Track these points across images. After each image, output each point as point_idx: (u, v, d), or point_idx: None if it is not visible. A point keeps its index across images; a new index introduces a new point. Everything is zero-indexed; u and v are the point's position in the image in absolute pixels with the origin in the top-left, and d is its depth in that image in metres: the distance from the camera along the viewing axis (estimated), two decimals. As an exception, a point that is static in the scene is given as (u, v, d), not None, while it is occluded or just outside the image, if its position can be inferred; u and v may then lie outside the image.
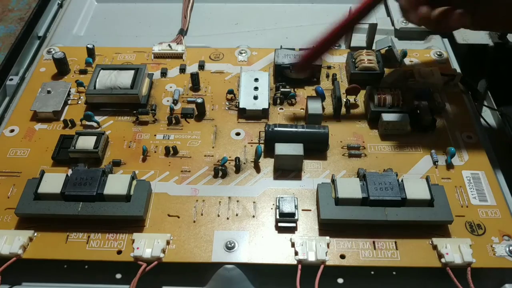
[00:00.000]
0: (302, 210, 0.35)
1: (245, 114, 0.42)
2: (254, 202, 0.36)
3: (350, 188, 0.34)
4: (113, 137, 0.40)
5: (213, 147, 0.40)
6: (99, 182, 0.34)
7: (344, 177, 0.37)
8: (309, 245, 0.32)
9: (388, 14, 0.56)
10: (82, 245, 0.33)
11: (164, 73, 0.46)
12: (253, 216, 0.35)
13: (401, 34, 0.53)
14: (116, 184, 0.34)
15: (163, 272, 0.33)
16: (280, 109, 0.43)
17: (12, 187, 0.37)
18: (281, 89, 0.44)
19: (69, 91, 0.44)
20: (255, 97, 0.42)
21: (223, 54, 0.48)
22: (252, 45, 0.51)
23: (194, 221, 0.35)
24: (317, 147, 0.39)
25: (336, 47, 0.51)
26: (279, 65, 0.45)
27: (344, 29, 0.38)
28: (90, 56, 0.48)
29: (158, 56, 0.48)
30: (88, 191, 0.34)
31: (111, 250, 0.33)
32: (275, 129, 0.39)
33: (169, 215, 0.35)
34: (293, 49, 0.46)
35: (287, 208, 0.34)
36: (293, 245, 0.33)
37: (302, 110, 0.43)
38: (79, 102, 0.44)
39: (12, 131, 0.41)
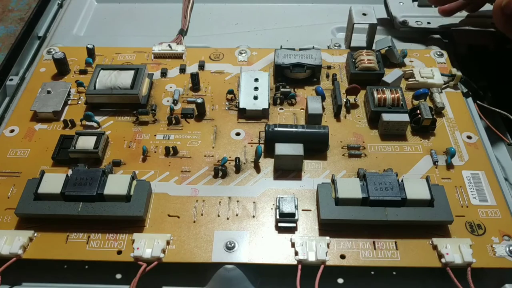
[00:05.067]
0: (302, 210, 0.35)
1: (245, 114, 0.42)
2: (254, 202, 0.36)
3: (350, 188, 0.34)
4: (113, 137, 0.40)
5: (213, 147, 0.40)
6: (99, 182, 0.34)
7: (344, 177, 0.37)
8: (309, 245, 0.32)
9: (388, 14, 0.56)
10: (82, 245, 0.33)
11: (164, 73, 0.46)
12: (253, 216, 0.35)
13: (401, 35, 0.53)
14: (116, 184, 0.34)
15: (163, 272, 0.33)
16: (280, 109, 0.43)
17: (12, 187, 0.37)
18: (281, 89, 0.44)
19: (69, 91, 0.44)
20: (255, 97, 0.42)
21: (223, 54, 0.48)
22: (252, 45, 0.51)
23: (194, 221, 0.35)
24: (317, 147, 0.39)
25: (336, 47, 0.51)
26: (279, 65, 0.45)
27: None
28: (90, 56, 0.48)
29: (158, 56, 0.48)
30: (88, 191, 0.34)
31: (111, 250, 0.33)
32: (275, 129, 0.39)
33: (169, 215, 0.35)
34: (293, 49, 0.46)
35: (287, 208, 0.34)
36: (293, 245, 0.33)
37: (302, 110, 0.43)
38: (79, 102, 0.44)
39: (12, 131, 0.41)
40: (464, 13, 0.53)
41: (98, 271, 0.34)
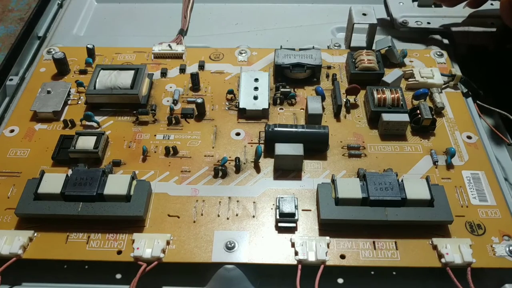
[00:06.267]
0: (302, 210, 0.35)
1: (245, 114, 0.42)
2: (254, 202, 0.36)
3: (350, 188, 0.34)
4: (113, 137, 0.40)
5: (213, 147, 0.40)
6: (99, 182, 0.34)
7: (344, 177, 0.37)
8: (309, 245, 0.32)
9: (388, 14, 0.56)
10: (82, 245, 0.33)
11: (164, 73, 0.46)
12: (253, 216, 0.35)
13: (401, 35, 0.53)
14: (116, 184, 0.34)
15: (163, 272, 0.33)
16: (280, 109, 0.43)
17: (12, 187, 0.37)
18: (281, 89, 0.44)
19: (69, 91, 0.44)
20: (255, 97, 0.42)
21: (223, 54, 0.48)
22: (252, 45, 0.51)
23: (194, 221, 0.35)
24: (317, 147, 0.39)
25: (336, 47, 0.51)
26: (279, 65, 0.45)
27: None
28: (90, 56, 0.48)
29: (158, 56, 0.48)
30: (88, 191, 0.34)
31: (111, 250, 0.33)
32: (275, 129, 0.39)
33: (169, 215, 0.35)
34: (293, 49, 0.46)
35: (287, 208, 0.34)
36: (293, 245, 0.33)
37: (302, 110, 0.43)
38: (79, 102, 0.44)
39: (12, 131, 0.41)
40: (464, 13, 0.53)
41: (98, 271, 0.34)
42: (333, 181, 0.35)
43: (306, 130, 0.39)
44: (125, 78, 0.43)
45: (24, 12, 0.69)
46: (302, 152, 0.37)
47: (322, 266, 0.32)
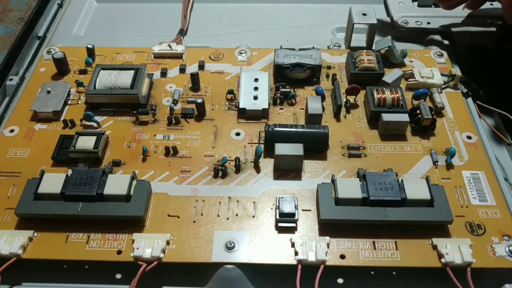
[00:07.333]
0: (302, 210, 0.35)
1: (245, 114, 0.42)
2: (254, 202, 0.36)
3: (350, 188, 0.34)
4: (113, 137, 0.40)
5: (213, 147, 0.40)
6: (99, 182, 0.34)
7: (344, 177, 0.37)
8: (309, 245, 0.32)
9: (388, 14, 0.56)
10: (82, 245, 0.33)
11: (164, 73, 0.46)
12: (253, 216, 0.35)
13: (401, 35, 0.53)
14: (116, 184, 0.34)
15: (163, 272, 0.33)
16: (280, 109, 0.43)
17: (12, 187, 0.37)
18: (281, 89, 0.44)
19: (69, 91, 0.44)
20: (255, 97, 0.42)
21: (223, 54, 0.48)
22: (252, 45, 0.51)
23: (194, 221, 0.35)
24: (317, 147, 0.39)
25: (336, 47, 0.51)
26: (279, 65, 0.45)
27: None
28: (90, 56, 0.48)
29: (158, 56, 0.48)
30: (88, 191, 0.34)
31: (111, 250, 0.33)
32: (275, 129, 0.39)
33: (169, 215, 0.35)
34: (293, 49, 0.46)
35: (287, 208, 0.34)
36: (293, 245, 0.33)
37: (302, 110, 0.43)
38: (79, 102, 0.44)
39: (12, 131, 0.41)
40: (464, 14, 0.53)
41: (98, 271, 0.34)
42: (333, 181, 0.35)
43: (306, 130, 0.39)
44: (125, 78, 0.43)
45: (24, 12, 0.69)
46: (302, 152, 0.37)
47: (322, 266, 0.32)
